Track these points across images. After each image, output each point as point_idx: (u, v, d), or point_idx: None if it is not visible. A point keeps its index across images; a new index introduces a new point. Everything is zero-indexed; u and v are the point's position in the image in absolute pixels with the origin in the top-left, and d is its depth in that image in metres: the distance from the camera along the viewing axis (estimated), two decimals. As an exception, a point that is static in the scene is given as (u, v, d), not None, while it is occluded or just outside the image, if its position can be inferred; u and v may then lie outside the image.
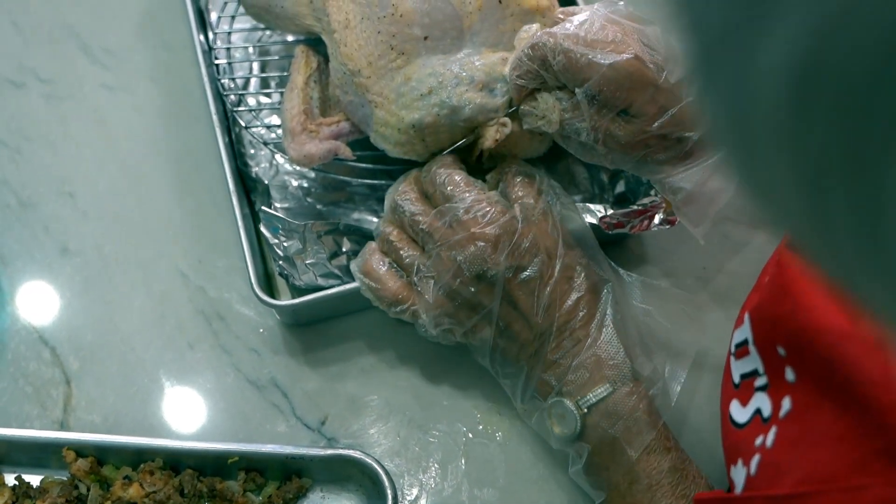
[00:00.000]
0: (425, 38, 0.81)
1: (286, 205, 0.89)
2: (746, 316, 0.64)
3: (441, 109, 0.79)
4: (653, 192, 0.86)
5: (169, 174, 0.94)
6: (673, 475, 0.67)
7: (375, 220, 0.89)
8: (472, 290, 0.73)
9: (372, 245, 0.80)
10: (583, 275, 0.75)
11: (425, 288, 0.75)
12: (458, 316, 0.75)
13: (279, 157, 0.91)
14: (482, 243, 0.72)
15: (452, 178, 0.77)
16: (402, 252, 0.78)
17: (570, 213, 0.79)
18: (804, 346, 0.55)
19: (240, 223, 0.83)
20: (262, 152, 0.92)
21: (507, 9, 0.83)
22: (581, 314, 0.73)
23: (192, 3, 0.97)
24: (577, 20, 0.75)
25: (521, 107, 0.79)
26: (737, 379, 0.63)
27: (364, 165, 0.88)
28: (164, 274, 0.89)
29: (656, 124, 0.72)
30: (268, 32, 1.00)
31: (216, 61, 0.94)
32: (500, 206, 0.74)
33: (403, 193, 0.79)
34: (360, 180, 0.89)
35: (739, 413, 0.62)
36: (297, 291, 0.84)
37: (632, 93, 0.72)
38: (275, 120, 0.93)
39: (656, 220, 0.85)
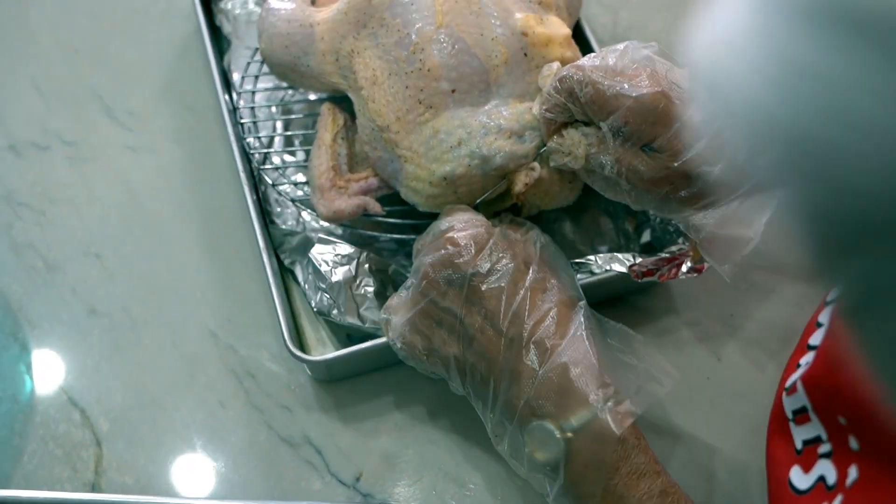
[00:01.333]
0: (452, 91, 0.83)
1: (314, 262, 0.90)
2: (800, 384, 0.64)
3: (472, 160, 0.81)
4: (680, 241, 0.88)
5: (195, 234, 0.95)
6: (664, 499, 0.66)
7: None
8: (441, 291, 0.73)
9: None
10: (556, 288, 0.73)
11: (403, 292, 0.78)
12: (423, 322, 0.74)
13: (306, 215, 0.93)
14: (451, 246, 0.74)
15: (456, 207, 0.80)
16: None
17: (558, 256, 0.80)
18: (864, 417, 0.55)
19: (270, 279, 0.85)
20: (289, 210, 0.93)
21: (532, 61, 0.86)
22: (552, 324, 0.71)
23: (217, 63, 0.99)
24: (607, 53, 0.77)
25: (548, 144, 0.81)
26: (799, 445, 0.63)
27: (392, 220, 0.90)
28: (193, 333, 0.89)
29: (679, 160, 0.72)
30: (290, 91, 1.02)
31: (241, 121, 0.96)
32: (480, 220, 0.77)
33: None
34: (388, 235, 0.90)
35: (801, 479, 0.61)
36: (333, 331, 0.87)
37: (656, 127, 0.72)
38: (300, 178, 0.95)
39: (684, 267, 0.86)
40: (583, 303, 0.75)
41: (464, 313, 0.73)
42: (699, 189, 0.74)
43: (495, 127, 0.81)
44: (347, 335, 0.87)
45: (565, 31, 0.87)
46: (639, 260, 0.85)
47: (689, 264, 0.86)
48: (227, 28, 1.07)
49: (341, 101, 0.93)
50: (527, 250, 0.77)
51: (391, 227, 0.90)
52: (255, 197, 0.91)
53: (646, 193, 0.76)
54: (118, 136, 1.01)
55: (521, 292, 0.73)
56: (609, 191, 0.80)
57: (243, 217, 0.94)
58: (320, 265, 0.85)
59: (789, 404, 0.65)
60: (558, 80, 0.78)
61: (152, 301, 0.91)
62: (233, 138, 0.93)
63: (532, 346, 0.70)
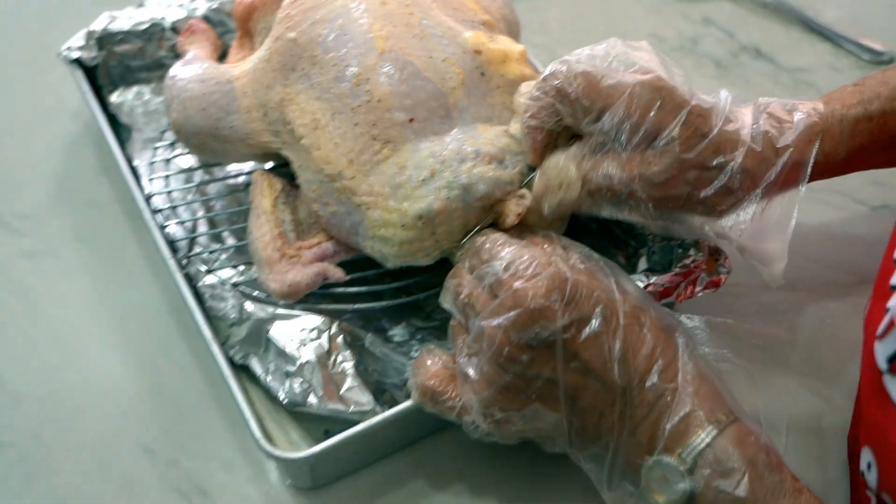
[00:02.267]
0: (410, 120, 0.72)
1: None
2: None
3: (450, 191, 0.69)
4: (691, 252, 0.78)
5: (113, 340, 0.80)
6: None
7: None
8: (526, 359, 0.61)
9: (429, 345, 0.69)
10: (649, 318, 0.64)
11: (469, 371, 0.63)
12: (512, 398, 0.62)
13: (250, 305, 0.79)
14: (531, 300, 0.61)
15: (490, 238, 0.66)
16: (455, 335, 0.66)
17: (615, 267, 0.68)
18: None
19: (225, 370, 0.70)
20: (229, 302, 0.79)
21: (490, 81, 0.76)
22: (660, 361, 0.62)
23: (120, 152, 0.86)
24: (591, 48, 0.70)
25: (535, 187, 0.70)
26: None
27: (357, 290, 0.77)
28: (123, 453, 0.73)
29: (695, 150, 0.65)
30: (211, 170, 0.90)
31: (157, 209, 0.83)
32: (544, 257, 0.63)
33: (452, 275, 0.68)
34: (353, 306, 0.77)
35: None
36: (306, 428, 0.72)
37: (663, 114, 0.65)
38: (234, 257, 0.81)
39: (700, 283, 0.76)
40: (681, 327, 0.65)
41: (561, 375, 0.61)
42: (722, 185, 0.66)
43: (472, 152, 0.70)
44: (325, 431, 0.71)
45: (520, 46, 0.78)
46: (653, 279, 0.74)
47: (704, 278, 0.76)
48: (124, 119, 0.95)
49: (272, 170, 0.82)
50: (599, 276, 0.65)
51: (358, 296, 0.77)
52: (189, 287, 0.76)
53: (663, 203, 0.67)
54: (11, 244, 0.87)
55: (619, 331, 0.62)
56: (620, 210, 0.69)
57: (170, 313, 0.81)
58: (284, 345, 0.71)
59: (884, 351, 0.57)
60: (543, 79, 0.69)
61: (69, 422, 0.75)
62: (153, 228, 0.79)
63: (650, 391, 0.61)
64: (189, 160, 0.91)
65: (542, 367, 0.61)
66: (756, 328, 0.70)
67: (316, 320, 0.72)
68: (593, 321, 0.61)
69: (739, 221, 0.68)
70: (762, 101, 0.70)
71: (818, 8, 1.17)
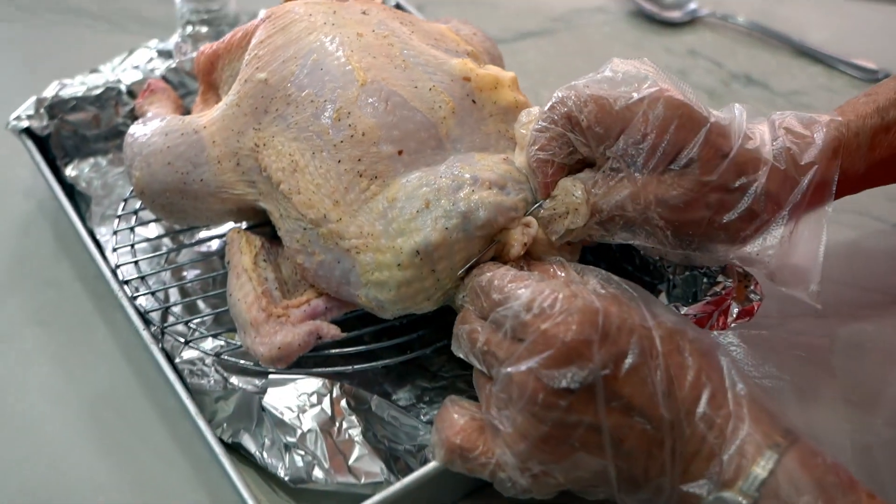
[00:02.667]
0: (399, 152, 0.65)
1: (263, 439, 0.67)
2: None
3: (448, 220, 0.62)
4: (720, 279, 0.71)
5: (84, 429, 0.71)
6: None
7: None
8: (564, 405, 0.53)
9: (453, 396, 0.61)
10: (688, 341, 0.57)
11: (500, 424, 0.56)
12: (552, 449, 0.54)
13: (235, 379, 0.70)
14: (563, 339, 0.54)
15: (497, 275, 0.59)
16: (481, 391, 0.59)
17: (640, 291, 0.61)
18: None
19: (216, 449, 0.61)
20: (210, 378, 0.71)
21: (483, 109, 0.69)
22: (707, 386, 0.55)
23: (82, 224, 0.79)
24: (597, 72, 0.64)
25: (541, 213, 0.64)
26: None
27: (354, 349, 0.69)
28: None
29: (716, 173, 0.60)
30: (180, 235, 0.83)
31: (125, 279, 0.75)
32: (567, 290, 0.56)
33: (461, 321, 0.61)
34: (353, 367, 0.68)
35: None
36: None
37: (681, 132, 0.60)
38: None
39: (732, 313, 0.69)
40: (721, 348, 0.58)
41: (604, 418, 0.54)
42: (745, 209, 0.61)
43: (469, 178, 0.63)
44: (333, 511, 0.63)
45: (510, 73, 0.72)
46: (683, 310, 0.67)
47: (736, 307, 0.69)
48: (82, 189, 0.87)
49: (249, 229, 0.75)
50: (622, 300, 0.58)
51: (356, 357, 0.69)
52: (167, 361, 0.68)
53: (682, 229, 0.62)
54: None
55: (660, 361, 0.55)
56: (635, 237, 0.63)
57: (145, 395, 0.73)
58: (282, 413, 0.62)
59: None
60: (550, 107, 0.64)
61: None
62: (122, 300, 0.72)
63: (700, 422, 0.54)
64: (156, 228, 0.83)
65: (582, 412, 0.53)
66: (792, 337, 0.63)
67: (314, 384, 0.64)
68: (631, 354, 0.54)
69: (767, 247, 0.64)
70: (777, 115, 0.66)
71: (804, 31, 1.13)
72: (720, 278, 0.70)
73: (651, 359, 0.54)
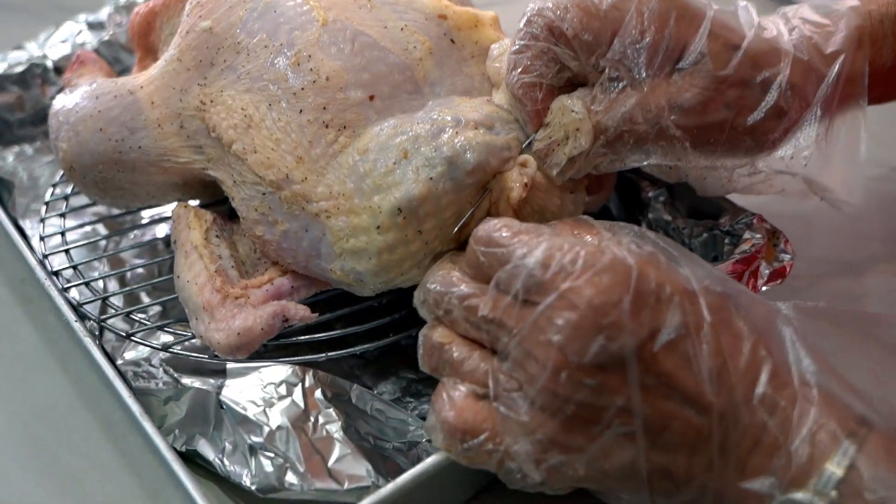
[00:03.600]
0: (370, 98, 0.56)
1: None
2: None
3: (432, 169, 0.52)
4: (747, 235, 0.62)
5: (16, 452, 0.60)
6: None
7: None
8: (593, 384, 0.44)
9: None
10: (742, 308, 0.47)
11: (512, 407, 0.46)
12: (576, 436, 0.45)
13: (189, 380, 0.60)
14: (590, 302, 0.44)
15: (502, 225, 0.49)
16: (459, 360, 0.48)
17: (681, 250, 0.52)
18: None
19: (167, 456, 0.51)
20: (157, 380, 0.61)
21: (463, 49, 0.60)
22: (767, 363, 0.45)
23: (6, 214, 0.69)
24: None
25: (536, 146, 0.55)
26: None
27: (326, 335, 0.59)
28: None
29: (731, 65, 0.53)
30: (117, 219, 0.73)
31: (54, 270, 0.64)
32: (590, 246, 0.47)
33: (440, 278, 0.51)
34: (328, 354, 0.58)
35: None
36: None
37: (681, 27, 0.53)
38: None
39: (763, 274, 0.60)
40: (782, 314, 0.48)
41: (640, 400, 0.44)
42: (771, 105, 0.54)
43: (452, 121, 0.54)
44: (310, 527, 0.52)
45: (490, 12, 0.63)
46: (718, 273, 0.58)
47: (766, 268, 0.61)
48: (5, 175, 0.77)
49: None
50: (660, 259, 0.48)
51: (330, 344, 0.59)
52: (109, 362, 0.58)
53: (703, 138, 0.53)
54: None
55: (706, 332, 0.45)
56: (650, 157, 0.54)
57: (86, 407, 0.63)
58: (245, 409, 0.52)
59: None
60: (526, 22, 0.55)
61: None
62: (52, 292, 0.61)
63: (760, 406, 0.45)
64: (91, 215, 0.73)
65: (614, 392, 0.44)
66: (855, 310, 0.54)
67: (282, 372, 0.54)
68: (670, 322, 0.44)
69: (801, 148, 0.56)
70: (788, 7, 0.58)
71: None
72: (747, 234, 0.62)
73: (696, 329, 0.45)
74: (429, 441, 0.53)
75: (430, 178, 0.52)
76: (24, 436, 0.61)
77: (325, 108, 0.56)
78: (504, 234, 0.48)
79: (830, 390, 0.45)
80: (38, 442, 0.61)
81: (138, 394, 0.57)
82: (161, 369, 0.62)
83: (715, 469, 0.44)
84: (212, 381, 0.58)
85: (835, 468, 0.42)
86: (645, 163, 0.54)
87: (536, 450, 0.45)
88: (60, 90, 0.79)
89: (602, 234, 0.50)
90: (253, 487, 0.51)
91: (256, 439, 0.51)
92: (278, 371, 0.53)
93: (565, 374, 0.44)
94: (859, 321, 0.53)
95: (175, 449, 0.54)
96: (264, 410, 0.52)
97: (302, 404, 0.52)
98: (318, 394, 0.53)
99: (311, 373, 0.54)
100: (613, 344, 0.43)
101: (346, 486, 0.51)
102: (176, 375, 0.62)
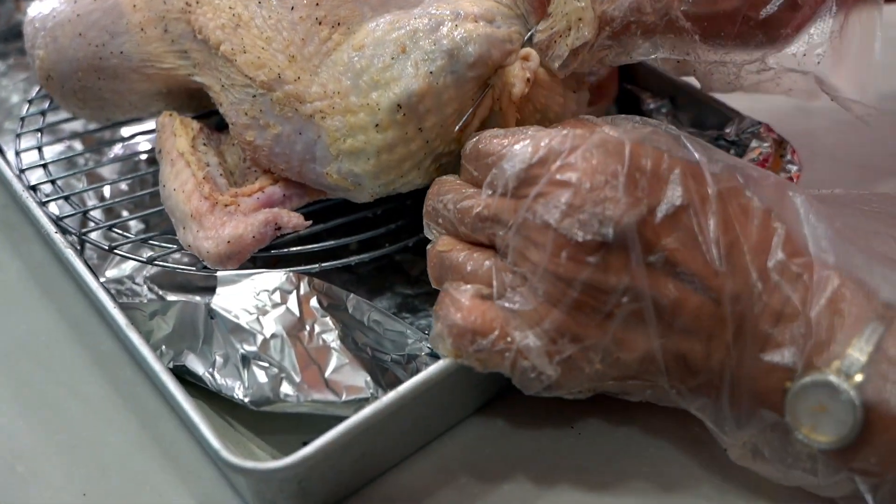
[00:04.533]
0: (366, -10, 0.54)
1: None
2: None
3: (432, 63, 0.50)
4: (755, 143, 0.60)
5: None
6: None
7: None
8: (595, 261, 0.42)
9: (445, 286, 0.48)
10: (750, 179, 0.46)
11: (518, 300, 0.44)
12: (586, 320, 0.43)
13: (175, 296, 0.58)
14: (577, 178, 0.43)
15: (488, 138, 0.48)
16: (461, 262, 0.47)
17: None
18: None
19: (161, 375, 0.48)
20: (146, 296, 0.59)
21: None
22: (779, 229, 0.44)
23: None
24: None
25: (537, 38, 0.53)
26: None
27: (320, 246, 0.57)
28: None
29: None
30: (96, 133, 0.70)
31: (32, 184, 0.61)
32: (580, 129, 0.45)
33: (435, 188, 0.50)
34: (322, 265, 0.56)
35: None
36: (274, 441, 0.50)
37: None
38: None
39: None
40: (793, 187, 0.46)
41: (647, 283, 0.43)
42: None
43: (450, 14, 0.52)
44: (303, 443, 0.49)
45: None
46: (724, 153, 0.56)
47: None
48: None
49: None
50: (664, 138, 0.46)
51: (324, 255, 0.57)
52: (91, 274, 0.55)
53: (712, 30, 0.51)
54: None
55: (712, 203, 0.43)
56: (658, 50, 0.52)
57: (72, 337, 0.60)
58: (237, 317, 0.50)
59: None
60: None
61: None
62: (30, 203, 0.59)
63: (775, 277, 0.43)
64: (70, 129, 0.70)
65: (619, 272, 0.43)
66: (873, 194, 0.52)
67: (276, 278, 0.51)
68: (671, 191, 0.43)
69: (814, 45, 0.53)
70: None
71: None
72: (754, 143, 0.61)
73: (701, 201, 0.43)
74: (431, 355, 0.51)
75: (430, 73, 0.50)
76: (5, 369, 0.58)
77: (317, 4, 0.53)
78: (492, 143, 0.47)
79: (850, 263, 0.43)
80: (19, 375, 0.58)
81: (123, 309, 0.54)
82: (145, 286, 0.60)
83: (733, 351, 0.43)
84: (198, 297, 0.56)
85: (861, 347, 0.41)
86: (652, 56, 0.52)
87: (547, 342, 0.44)
88: (35, 6, 0.76)
89: (601, 126, 0.48)
90: (246, 400, 0.49)
91: (249, 348, 0.49)
92: (272, 278, 0.51)
93: (565, 255, 0.43)
94: (879, 201, 0.51)
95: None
96: (257, 318, 0.50)
97: (297, 312, 0.50)
98: (313, 302, 0.51)
99: (305, 280, 0.51)
100: (611, 218, 0.42)
101: (343, 397, 0.48)
102: (161, 293, 0.60)
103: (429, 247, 0.50)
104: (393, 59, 0.51)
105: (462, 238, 0.48)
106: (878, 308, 0.42)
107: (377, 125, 0.50)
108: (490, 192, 0.46)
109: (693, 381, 0.44)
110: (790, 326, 0.42)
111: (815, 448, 0.42)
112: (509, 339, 0.44)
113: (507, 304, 0.44)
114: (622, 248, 0.42)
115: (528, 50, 0.52)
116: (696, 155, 0.45)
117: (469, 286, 0.46)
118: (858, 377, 0.40)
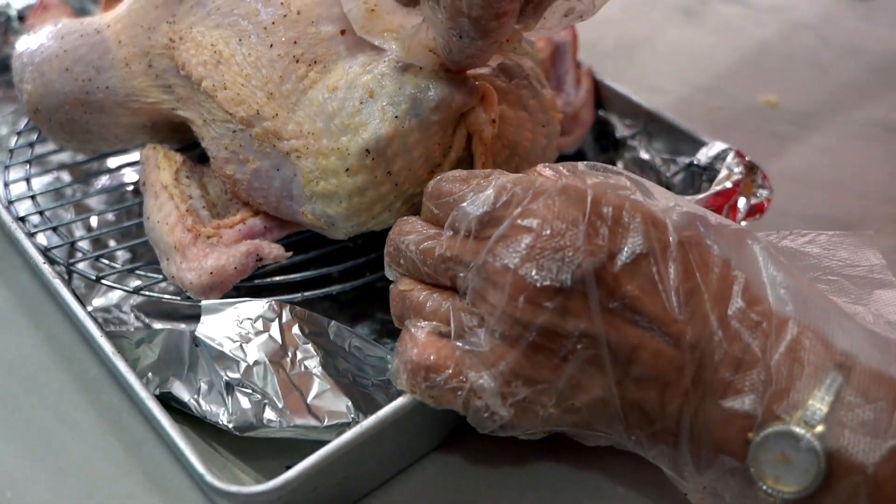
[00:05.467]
0: (342, 32, 0.56)
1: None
2: None
3: (397, 108, 0.52)
4: (726, 169, 0.63)
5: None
6: None
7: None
8: (552, 306, 0.43)
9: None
10: (712, 228, 0.46)
11: (474, 340, 0.45)
12: (541, 363, 0.44)
13: (160, 324, 0.60)
14: (539, 224, 0.44)
15: (451, 179, 0.49)
16: (422, 301, 0.48)
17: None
18: None
19: (147, 402, 0.50)
20: (132, 324, 0.61)
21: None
22: (739, 281, 0.44)
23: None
24: None
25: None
26: None
27: (300, 276, 0.59)
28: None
29: None
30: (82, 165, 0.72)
31: (20, 216, 0.63)
32: (547, 175, 0.47)
33: (397, 228, 0.51)
34: (304, 294, 0.58)
35: None
36: (258, 465, 0.52)
37: None
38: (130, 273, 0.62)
39: (741, 208, 0.61)
40: (752, 237, 0.47)
41: (606, 327, 0.43)
42: None
43: None
44: (287, 467, 0.51)
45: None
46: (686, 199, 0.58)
47: (745, 201, 0.62)
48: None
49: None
50: (628, 190, 0.47)
51: (304, 284, 0.59)
52: (79, 304, 0.57)
53: None
54: None
55: (672, 250, 0.44)
56: None
57: (59, 364, 0.61)
58: (221, 345, 0.52)
59: None
60: None
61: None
62: (19, 234, 0.61)
63: (735, 326, 0.43)
64: (57, 162, 0.72)
65: (575, 315, 0.43)
66: (836, 234, 0.53)
67: (259, 307, 0.53)
68: (631, 239, 0.44)
69: None
70: None
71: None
72: (724, 170, 0.63)
73: (662, 250, 0.44)
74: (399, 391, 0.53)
75: (396, 117, 0.52)
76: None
77: (295, 42, 0.55)
78: (454, 184, 0.49)
79: (808, 311, 0.44)
80: (6, 400, 0.59)
81: (110, 338, 0.56)
82: (132, 315, 0.62)
83: (692, 397, 0.44)
84: (183, 325, 0.58)
85: (820, 402, 0.41)
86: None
87: (501, 383, 0.44)
88: (24, 38, 0.78)
89: (562, 173, 0.49)
90: (230, 425, 0.51)
91: (233, 375, 0.51)
92: (255, 306, 0.53)
93: (524, 298, 0.43)
94: (832, 245, 0.52)
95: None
96: (241, 346, 0.51)
97: (279, 340, 0.52)
98: (295, 329, 0.53)
99: (287, 308, 0.53)
100: (571, 263, 0.43)
101: (325, 422, 0.50)
102: (147, 321, 0.61)
103: (391, 286, 0.51)
104: (361, 103, 0.53)
105: (423, 278, 0.49)
106: (836, 356, 0.42)
107: (348, 169, 0.53)
108: (452, 233, 0.47)
109: (650, 429, 0.45)
110: (750, 374, 0.42)
111: (780, 498, 0.42)
112: (462, 377, 0.45)
113: (463, 345, 0.46)
114: (581, 293, 0.43)
115: (486, 87, 0.54)
116: (658, 203, 0.46)
117: (427, 323, 0.48)
118: (820, 428, 0.41)
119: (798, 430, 0.41)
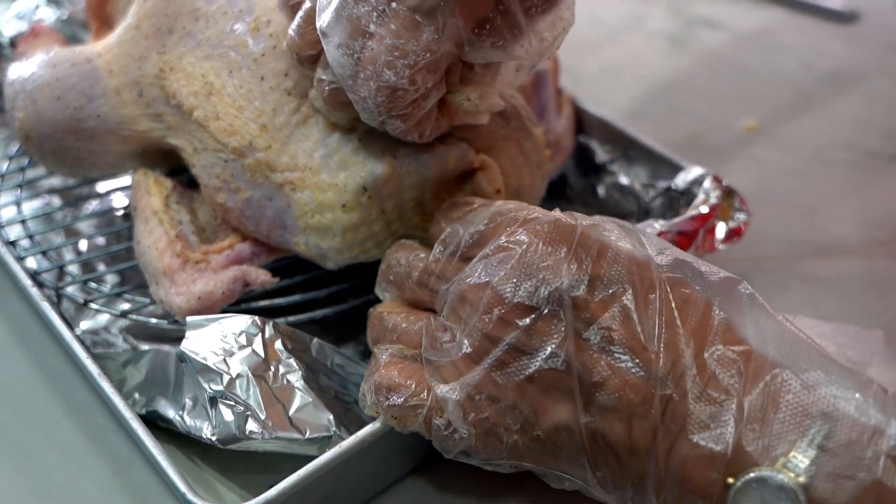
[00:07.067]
0: (334, 64, 0.59)
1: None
2: None
3: (395, 149, 0.56)
4: (702, 193, 0.66)
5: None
6: None
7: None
8: (524, 325, 0.45)
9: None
10: (696, 273, 0.48)
11: (442, 353, 0.48)
12: (503, 384, 0.46)
13: (148, 346, 0.63)
14: (524, 248, 0.46)
15: (466, 199, 0.54)
16: (397, 322, 0.52)
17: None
18: None
19: (132, 422, 0.53)
20: (116, 347, 0.63)
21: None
22: (721, 322, 0.45)
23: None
24: None
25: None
26: None
27: (286, 301, 0.62)
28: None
29: None
30: (74, 190, 0.75)
31: (11, 240, 0.66)
32: (538, 209, 0.50)
33: (396, 249, 0.55)
34: (288, 319, 0.61)
35: None
36: (243, 482, 0.55)
37: None
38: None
39: (719, 233, 0.64)
40: (743, 284, 0.48)
41: (574, 351, 0.45)
42: None
43: None
44: (270, 486, 0.54)
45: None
46: (660, 224, 0.62)
47: (724, 226, 0.65)
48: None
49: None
50: (617, 233, 0.49)
51: (290, 309, 0.62)
52: (67, 326, 0.60)
53: None
54: None
55: (656, 292, 0.45)
56: None
57: (48, 386, 0.64)
58: (205, 359, 0.54)
59: None
60: None
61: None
62: (8, 258, 0.64)
63: (713, 367, 0.44)
64: (45, 187, 0.75)
65: (545, 335, 0.45)
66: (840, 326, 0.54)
67: (243, 322, 0.56)
68: (614, 272, 0.46)
69: None
70: None
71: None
72: (702, 193, 0.66)
73: (642, 284, 0.46)
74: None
75: (395, 158, 0.56)
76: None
77: (286, 74, 0.58)
78: (456, 210, 0.53)
79: (792, 354, 0.45)
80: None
81: (96, 359, 0.59)
82: (120, 337, 0.65)
83: (660, 431, 0.44)
84: (168, 347, 0.61)
85: (803, 452, 0.42)
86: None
87: (464, 396, 0.46)
88: (16, 64, 0.81)
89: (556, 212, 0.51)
90: (213, 438, 0.53)
91: (216, 387, 0.53)
92: (238, 321, 0.56)
93: (496, 313, 0.46)
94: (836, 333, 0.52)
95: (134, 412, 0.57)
96: (224, 359, 0.54)
97: (262, 354, 0.55)
98: (278, 344, 0.56)
99: (270, 324, 0.56)
100: (549, 285, 0.45)
101: (307, 434, 0.53)
102: (135, 343, 0.64)
103: (370, 309, 0.55)
104: (361, 141, 0.56)
105: (406, 299, 0.53)
106: (818, 402, 0.42)
107: (344, 205, 0.56)
108: (441, 249, 0.51)
109: (617, 467, 0.45)
110: (722, 411, 0.43)
111: None
112: (423, 396, 0.48)
113: (431, 357, 0.48)
114: (554, 316, 0.45)
115: (485, 160, 0.58)
116: (647, 249, 0.48)
117: (391, 346, 0.51)
118: (802, 478, 0.41)
119: (782, 477, 0.41)
